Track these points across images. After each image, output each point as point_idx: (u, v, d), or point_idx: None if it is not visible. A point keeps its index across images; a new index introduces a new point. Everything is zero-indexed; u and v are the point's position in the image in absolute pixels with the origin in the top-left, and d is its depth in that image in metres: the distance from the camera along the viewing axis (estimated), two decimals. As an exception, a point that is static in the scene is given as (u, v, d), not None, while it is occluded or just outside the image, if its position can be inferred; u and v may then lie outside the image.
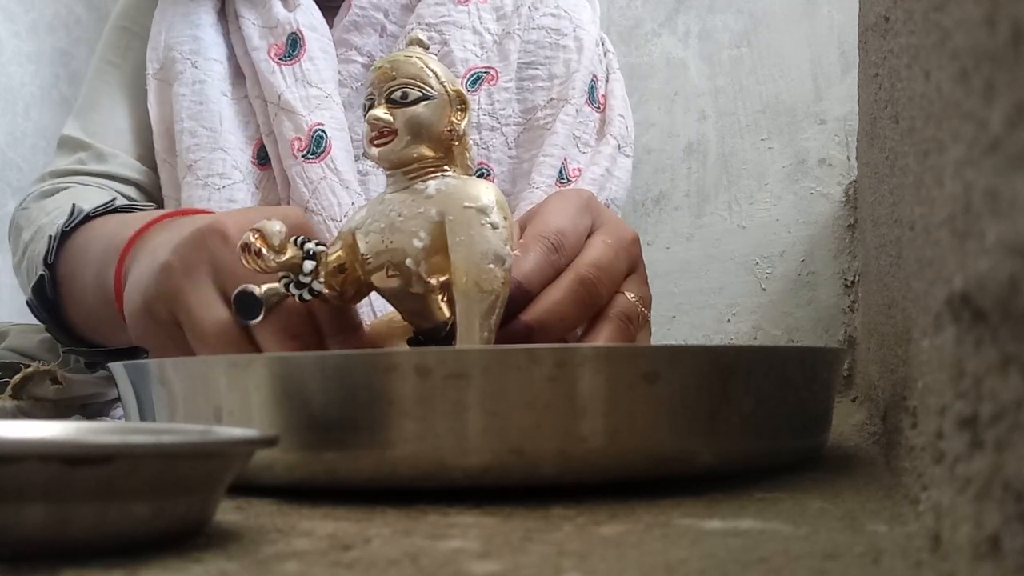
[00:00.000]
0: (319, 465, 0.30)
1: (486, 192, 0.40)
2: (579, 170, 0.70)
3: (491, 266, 0.39)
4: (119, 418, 0.67)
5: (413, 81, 0.40)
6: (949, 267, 0.20)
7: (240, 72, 0.73)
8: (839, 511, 0.28)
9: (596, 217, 0.47)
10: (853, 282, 1.03)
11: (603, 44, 0.78)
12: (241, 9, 0.73)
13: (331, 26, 0.73)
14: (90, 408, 0.66)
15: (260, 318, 0.42)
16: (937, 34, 0.23)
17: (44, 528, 0.21)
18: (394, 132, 0.40)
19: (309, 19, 0.72)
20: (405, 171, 0.41)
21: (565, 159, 0.69)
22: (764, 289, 1.10)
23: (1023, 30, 0.15)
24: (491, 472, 0.29)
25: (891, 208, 0.40)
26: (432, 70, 0.41)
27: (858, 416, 0.64)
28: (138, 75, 0.75)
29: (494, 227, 0.39)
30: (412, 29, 0.70)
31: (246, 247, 0.40)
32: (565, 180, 0.69)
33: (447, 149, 0.41)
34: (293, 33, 0.71)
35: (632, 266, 0.47)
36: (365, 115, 0.41)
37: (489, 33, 0.73)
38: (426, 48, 0.43)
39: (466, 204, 0.39)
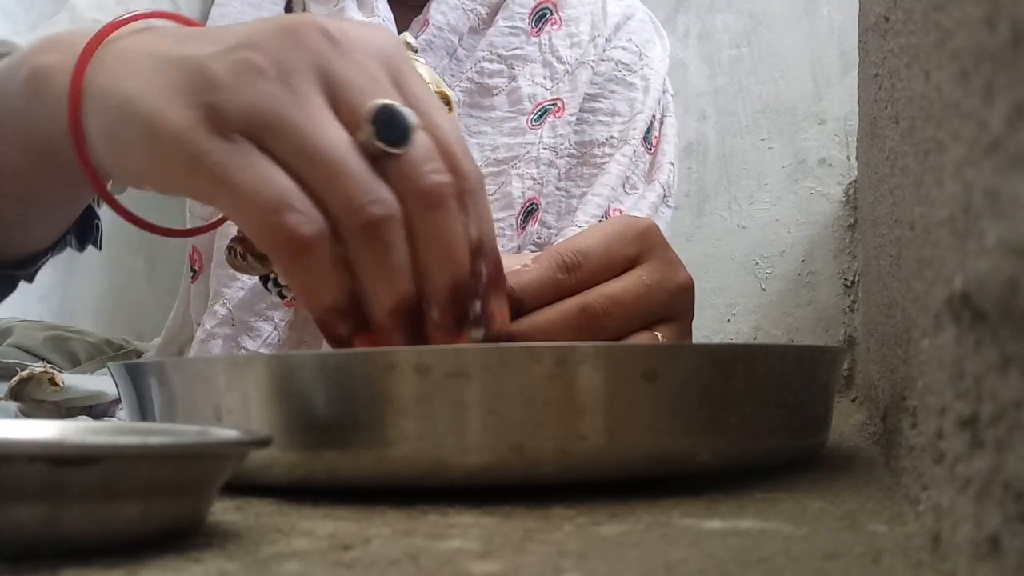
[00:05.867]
0: (319, 465, 0.30)
1: None
2: (620, 211, 0.67)
3: None
4: (122, 418, 0.67)
5: None
6: (949, 267, 0.20)
7: None
8: (839, 511, 0.28)
9: (647, 250, 0.43)
10: (853, 282, 1.03)
11: (663, 82, 0.74)
12: (310, 6, 0.68)
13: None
14: (96, 408, 0.66)
15: (408, 145, 0.32)
16: (937, 34, 0.23)
17: (37, 528, 0.21)
18: None
19: None
20: None
21: (610, 199, 0.67)
22: (764, 289, 1.10)
23: (1023, 30, 0.15)
24: (491, 471, 0.29)
25: (891, 208, 0.40)
26: (416, 73, 0.41)
27: (858, 416, 0.64)
28: (120, 7, 0.66)
29: None
30: (481, 56, 0.69)
31: (231, 250, 0.40)
32: (604, 219, 0.66)
33: None
34: None
35: (673, 313, 0.43)
36: None
37: (561, 62, 0.69)
38: (415, 51, 0.43)
39: None
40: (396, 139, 0.32)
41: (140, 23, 0.39)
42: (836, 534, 0.25)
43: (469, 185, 0.35)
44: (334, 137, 0.32)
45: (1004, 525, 0.16)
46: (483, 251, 0.36)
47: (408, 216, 0.33)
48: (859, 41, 0.69)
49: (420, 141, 0.33)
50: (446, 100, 0.42)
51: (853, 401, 0.83)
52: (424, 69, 0.42)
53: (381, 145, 0.32)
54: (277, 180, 0.32)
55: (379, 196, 0.33)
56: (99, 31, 0.37)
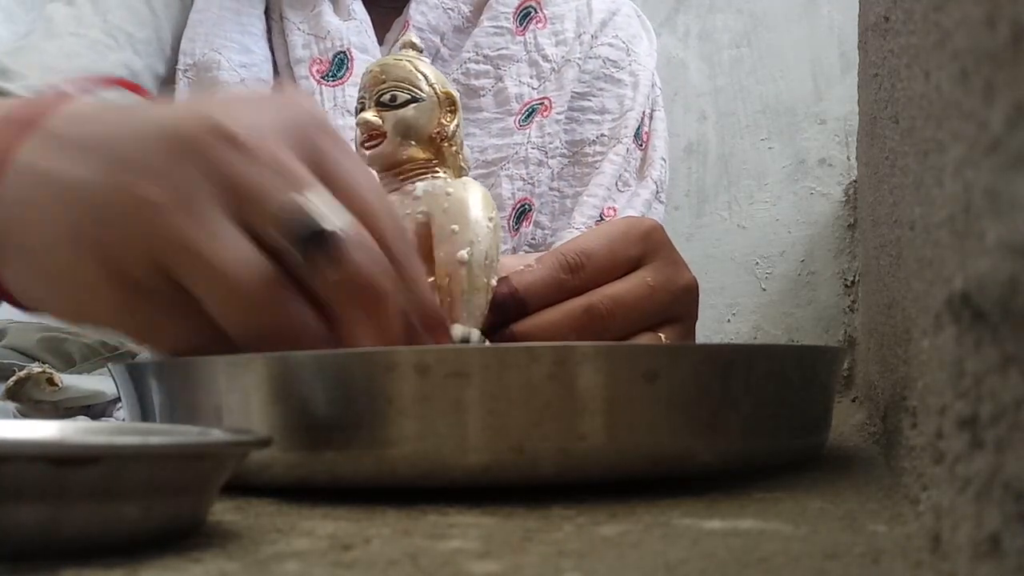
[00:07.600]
0: (319, 465, 0.30)
1: (472, 192, 0.40)
2: (614, 210, 0.67)
3: None
4: (121, 418, 0.67)
5: (402, 84, 0.41)
6: (949, 267, 0.20)
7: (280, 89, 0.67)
8: (839, 511, 0.28)
9: (652, 251, 0.43)
10: (853, 282, 1.03)
11: (652, 76, 0.73)
12: (287, 11, 0.67)
13: (380, 43, 0.68)
14: (94, 408, 0.65)
15: (326, 247, 0.30)
16: (937, 34, 0.23)
17: (37, 528, 0.21)
18: (383, 135, 0.41)
19: (361, 39, 0.67)
20: (396, 172, 0.41)
21: (605, 199, 0.67)
22: (764, 289, 1.10)
23: (1023, 30, 0.15)
24: (491, 471, 0.29)
25: (891, 208, 0.40)
26: (422, 73, 0.41)
27: (858, 416, 0.64)
28: (98, 17, 0.66)
29: None
30: (467, 57, 0.68)
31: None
32: (599, 220, 0.66)
33: (437, 150, 0.42)
34: (342, 52, 0.66)
35: (677, 314, 0.43)
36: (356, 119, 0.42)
37: (547, 60, 0.69)
38: (420, 51, 0.43)
39: (447, 205, 0.40)
40: (312, 247, 0.30)
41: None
42: (836, 534, 0.25)
43: (399, 263, 0.34)
44: (244, 260, 0.31)
45: (1004, 525, 0.16)
46: (421, 311, 0.35)
47: (341, 318, 0.32)
48: (859, 41, 0.69)
49: (345, 236, 0.31)
50: (451, 100, 0.42)
51: (853, 401, 0.83)
52: (428, 68, 0.42)
53: (298, 255, 0.30)
54: (201, 334, 0.32)
55: (300, 321, 0.32)
56: None
